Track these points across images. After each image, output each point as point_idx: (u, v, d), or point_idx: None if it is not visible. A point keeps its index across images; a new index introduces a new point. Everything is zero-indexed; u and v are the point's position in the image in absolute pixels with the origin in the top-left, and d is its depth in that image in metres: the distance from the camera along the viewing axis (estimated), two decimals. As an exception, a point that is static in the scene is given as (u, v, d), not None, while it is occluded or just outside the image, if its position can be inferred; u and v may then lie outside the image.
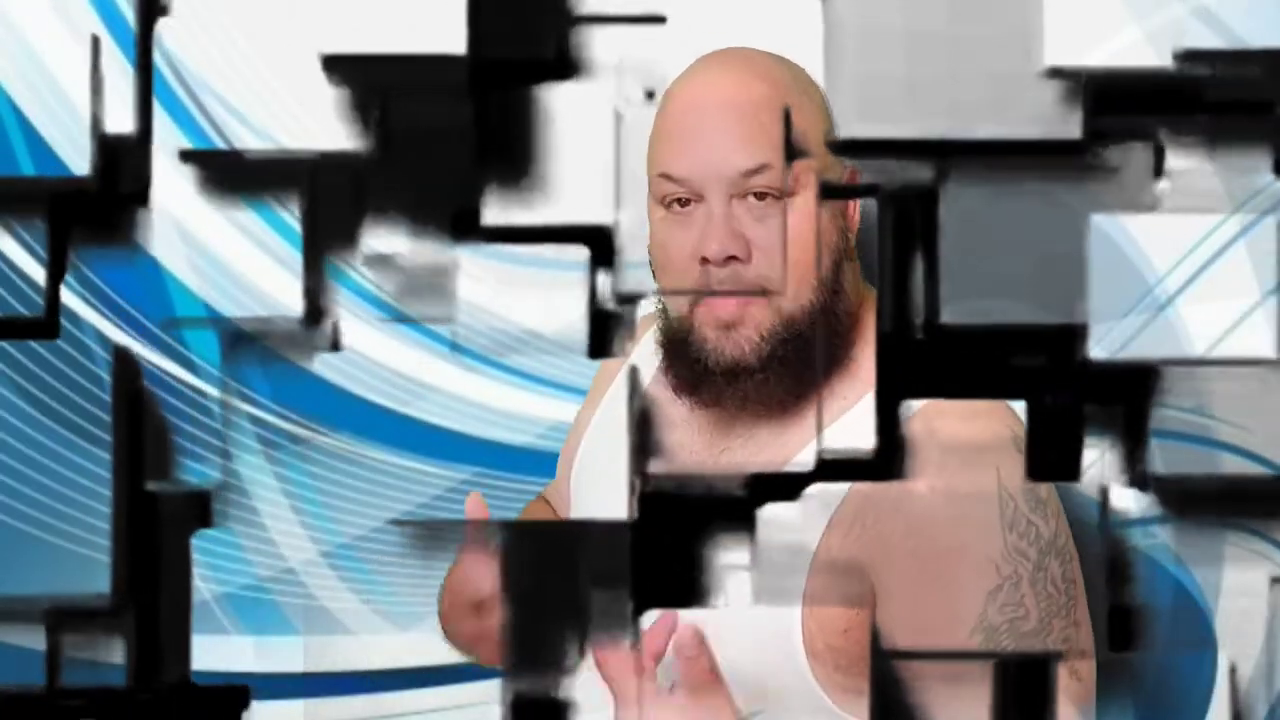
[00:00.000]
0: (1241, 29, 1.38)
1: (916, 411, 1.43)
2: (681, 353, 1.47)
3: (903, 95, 1.40)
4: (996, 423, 1.42)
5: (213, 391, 1.67)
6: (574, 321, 1.54)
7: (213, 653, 1.69)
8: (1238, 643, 1.61)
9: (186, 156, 1.51)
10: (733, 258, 1.43)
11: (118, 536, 1.37)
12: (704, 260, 1.43)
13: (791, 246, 1.43)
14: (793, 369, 1.45)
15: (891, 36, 1.40)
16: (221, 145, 1.62)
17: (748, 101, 1.44)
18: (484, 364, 1.70)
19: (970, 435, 1.41)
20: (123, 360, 1.55)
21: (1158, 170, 1.44)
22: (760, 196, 1.43)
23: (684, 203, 1.45)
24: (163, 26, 1.56)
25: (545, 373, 1.71)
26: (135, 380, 1.50)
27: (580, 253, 1.47)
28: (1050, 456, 1.41)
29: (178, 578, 1.42)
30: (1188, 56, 1.39)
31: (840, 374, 1.47)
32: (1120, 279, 1.51)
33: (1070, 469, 1.41)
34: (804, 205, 1.44)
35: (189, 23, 1.55)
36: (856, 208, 1.49)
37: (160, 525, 1.43)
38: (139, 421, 1.47)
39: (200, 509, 1.46)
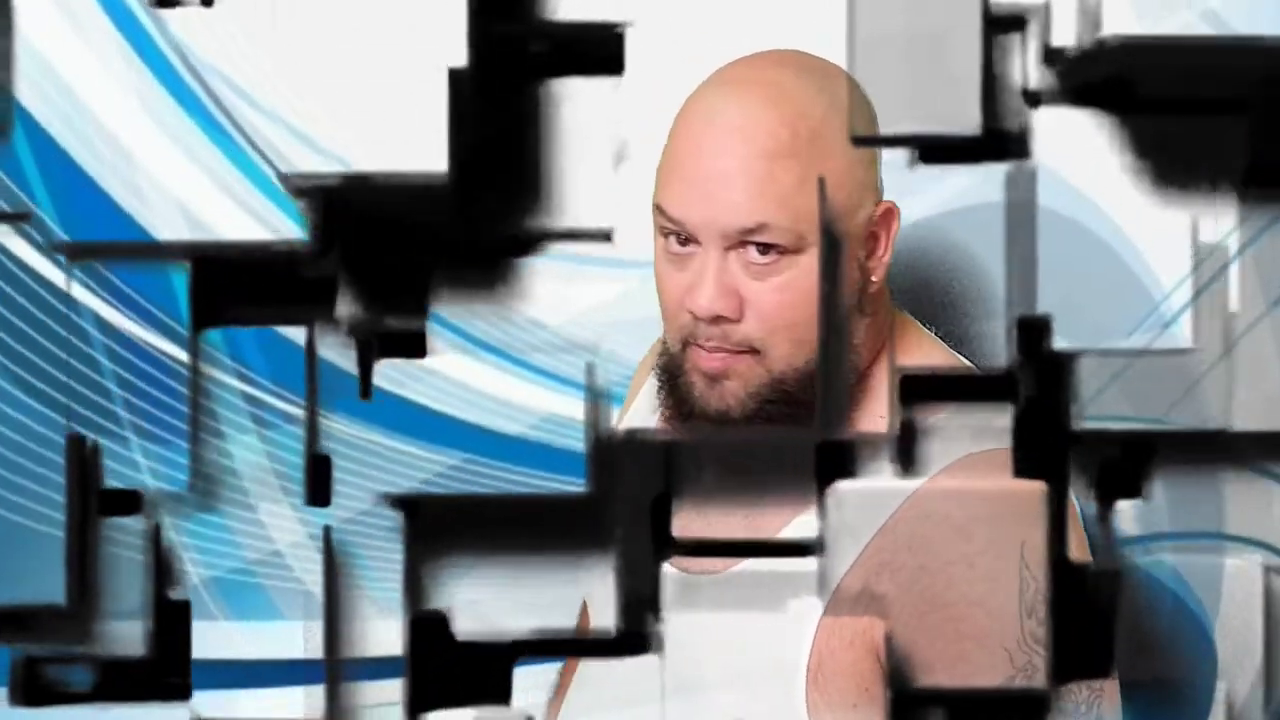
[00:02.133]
0: (1248, 33, 1.38)
1: (952, 465, 1.35)
2: (673, 389, 1.42)
3: (901, 96, 1.38)
4: (1032, 488, 1.32)
5: (218, 375, 1.67)
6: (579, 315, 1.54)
7: (201, 638, 1.69)
8: (1237, 657, 1.59)
9: (297, 191, 1.47)
10: (722, 317, 1.36)
11: (72, 539, 1.35)
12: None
13: (788, 309, 1.36)
14: (780, 425, 1.38)
15: (894, 37, 1.39)
16: (230, 127, 1.62)
17: (757, 151, 1.35)
18: (486, 350, 1.70)
19: (1002, 502, 1.33)
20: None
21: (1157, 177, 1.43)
22: (764, 249, 1.36)
23: (682, 240, 1.38)
24: (170, 14, 1.57)
25: (547, 364, 1.71)
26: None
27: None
28: (1036, 458, 1.34)
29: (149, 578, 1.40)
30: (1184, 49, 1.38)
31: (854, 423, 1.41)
32: (1125, 296, 1.51)
33: (1057, 472, 1.34)
34: (810, 264, 1.36)
35: (198, 9, 1.57)
36: (888, 251, 1.40)
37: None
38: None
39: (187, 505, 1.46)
